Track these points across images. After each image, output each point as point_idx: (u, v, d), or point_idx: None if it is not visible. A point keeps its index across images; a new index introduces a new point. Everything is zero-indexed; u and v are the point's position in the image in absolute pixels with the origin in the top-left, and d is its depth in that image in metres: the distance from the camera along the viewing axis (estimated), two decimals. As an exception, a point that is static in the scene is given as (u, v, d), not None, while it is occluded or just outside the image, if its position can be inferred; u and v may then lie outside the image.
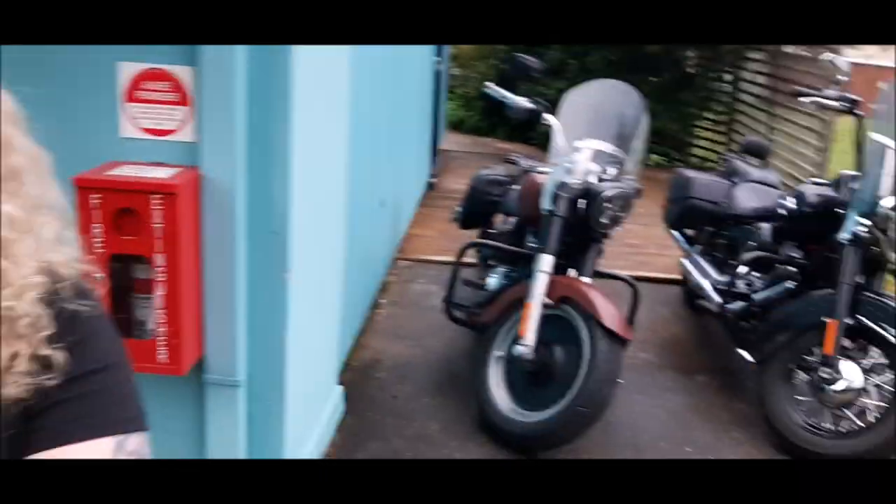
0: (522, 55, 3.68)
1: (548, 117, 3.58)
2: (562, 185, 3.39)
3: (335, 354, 3.40)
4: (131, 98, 2.19)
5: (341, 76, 2.95)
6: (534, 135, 10.46)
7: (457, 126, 11.58)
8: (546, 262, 3.30)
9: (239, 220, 2.23)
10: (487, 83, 3.78)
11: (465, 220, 4.79)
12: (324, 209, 2.89)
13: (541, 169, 3.95)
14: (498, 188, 4.51)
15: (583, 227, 3.41)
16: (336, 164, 3.04)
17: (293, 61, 2.23)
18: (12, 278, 0.75)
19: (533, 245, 3.77)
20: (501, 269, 4.10)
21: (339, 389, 3.41)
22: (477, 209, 4.66)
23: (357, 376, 3.80)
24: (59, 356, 0.79)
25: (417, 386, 3.85)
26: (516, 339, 3.31)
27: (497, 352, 3.47)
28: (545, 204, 3.43)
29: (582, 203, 3.36)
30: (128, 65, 2.17)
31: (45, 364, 0.78)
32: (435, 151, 8.57)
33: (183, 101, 2.19)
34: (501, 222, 4.61)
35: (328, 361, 3.26)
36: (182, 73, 2.17)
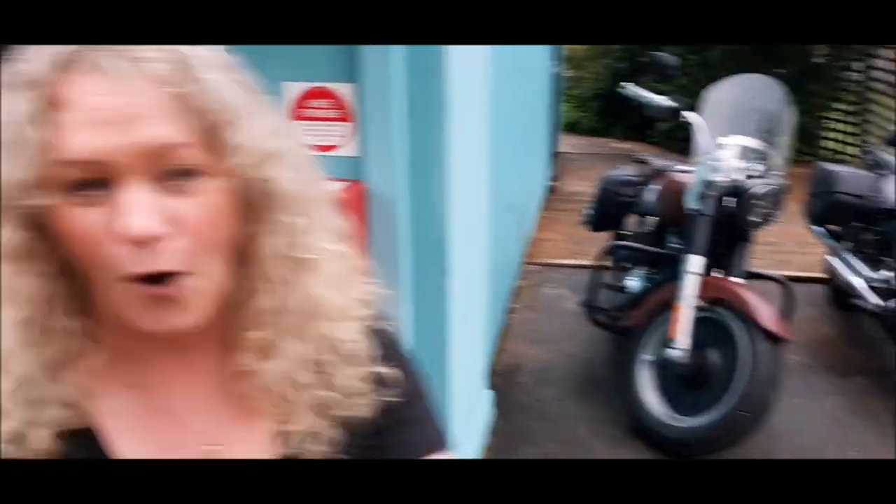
0: (660, 53, 3.61)
1: (689, 115, 3.49)
2: (708, 184, 3.30)
3: (484, 359, 3.42)
4: (297, 116, 2.26)
5: (483, 84, 2.97)
6: (653, 133, 10.27)
7: (572, 128, 11.47)
8: (695, 262, 3.21)
9: (402, 230, 2.28)
10: (624, 83, 3.73)
11: (597, 223, 4.71)
12: (472, 216, 2.91)
13: (680, 167, 3.87)
14: (630, 189, 4.43)
15: (731, 226, 3.31)
16: (479, 170, 3.06)
17: (447, 74, 2.26)
18: (346, 308, 0.79)
19: (676, 246, 3.69)
20: (640, 272, 4.03)
21: (489, 394, 3.43)
22: (609, 211, 4.59)
23: (501, 381, 3.80)
24: (392, 375, 0.82)
25: (560, 390, 3.82)
26: (666, 343, 3.24)
27: (645, 355, 3.40)
28: (691, 203, 3.35)
29: (730, 201, 3.26)
30: (293, 84, 2.25)
31: (383, 383, 0.81)
32: (553, 154, 8.53)
33: (345, 118, 2.25)
34: (636, 223, 4.54)
35: (479, 366, 3.28)
36: (344, 90, 2.23)
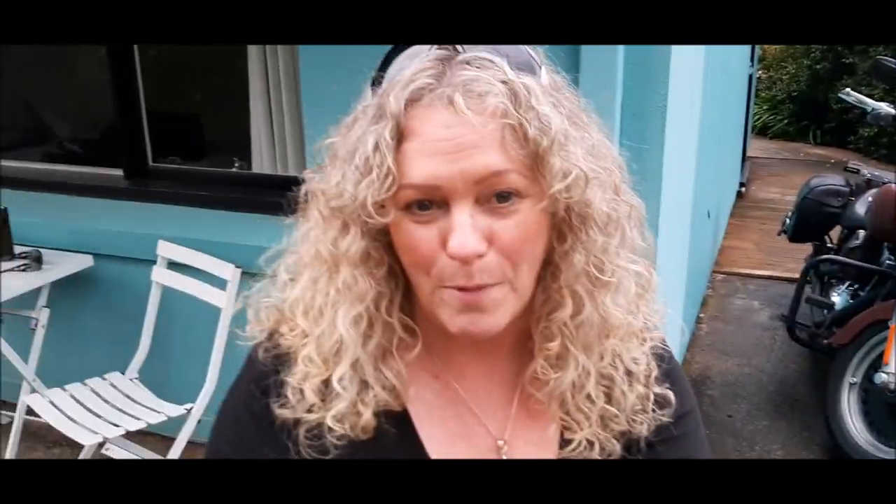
0: (885, 59, 3.38)
1: (916, 123, 3.25)
2: (934, 198, 3.06)
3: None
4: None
5: (696, 87, 2.90)
6: (855, 139, 9.64)
7: (762, 131, 10.95)
8: (915, 282, 3.00)
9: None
10: (846, 89, 3.53)
11: (796, 233, 4.47)
12: (676, 223, 2.85)
13: (899, 179, 3.61)
14: (837, 199, 4.17)
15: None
16: (686, 176, 2.99)
17: (669, 77, 2.22)
18: (635, 327, 0.81)
19: (892, 262, 3.45)
20: (847, 288, 3.80)
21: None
22: (811, 221, 4.33)
23: (689, 392, 3.70)
24: (669, 395, 0.84)
25: (752, 406, 3.67)
26: (876, 366, 3.04)
27: (851, 378, 3.21)
28: (913, 218, 3.12)
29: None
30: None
31: (660, 403, 0.84)
32: (744, 158, 8.18)
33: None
34: (840, 236, 4.27)
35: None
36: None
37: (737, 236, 6.45)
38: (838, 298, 3.76)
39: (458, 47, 0.71)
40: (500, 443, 0.83)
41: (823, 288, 4.13)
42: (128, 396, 2.74)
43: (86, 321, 3.24)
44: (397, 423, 0.80)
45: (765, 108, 11.16)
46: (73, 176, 3.46)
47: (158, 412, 2.65)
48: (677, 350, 3.07)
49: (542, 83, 0.72)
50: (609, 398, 0.81)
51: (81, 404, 2.64)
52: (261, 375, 0.82)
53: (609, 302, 0.77)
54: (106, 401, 2.69)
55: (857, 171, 4.22)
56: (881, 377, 2.98)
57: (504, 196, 0.70)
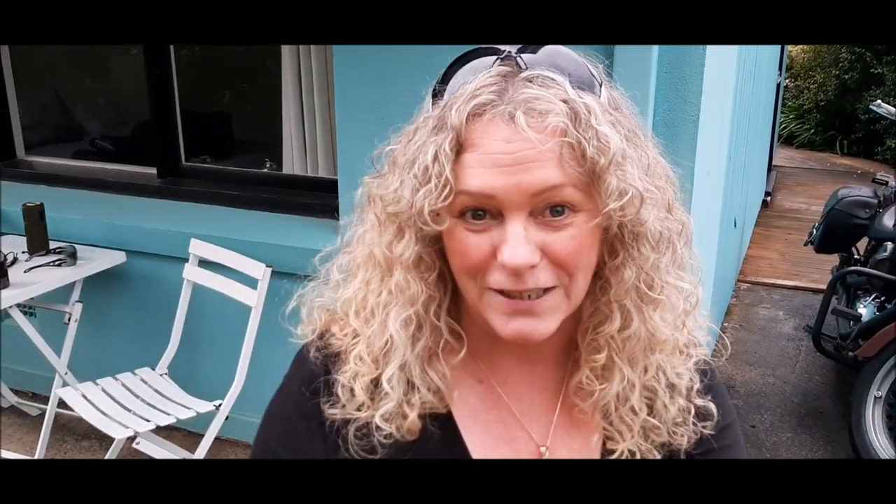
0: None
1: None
2: (965, 211, 3.05)
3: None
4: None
5: (728, 96, 2.90)
6: (883, 150, 9.56)
7: (788, 140, 10.89)
8: (944, 296, 2.98)
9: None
10: (877, 101, 3.51)
11: (822, 244, 4.45)
12: (706, 231, 2.86)
13: (931, 192, 3.59)
14: (865, 210, 4.15)
15: None
16: (716, 184, 2.99)
17: (703, 84, 2.23)
18: (679, 342, 0.84)
19: (921, 276, 3.44)
20: (874, 300, 3.78)
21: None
22: (838, 232, 4.31)
23: (712, 401, 3.70)
24: (711, 408, 0.87)
25: (776, 417, 3.66)
26: (904, 380, 3.02)
27: (877, 391, 3.19)
28: (943, 231, 3.11)
29: None
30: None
31: (702, 416, 0.86)
32: (769, 167, 8.14)
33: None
34: (868, 248, 4.25)
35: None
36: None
37: (762, 246, 6.42)
38: (865, 310, 3.74)
39: (521, 63, 0.73)
40: (543, 449, 0.85)
41: (850, 299, 4.11)
42: (157, 391, 2.78)
43: (117, 316, 3.29)
44: (442, 425, 0.83)
45: (791, 116, 11.10)
46: (107, 173, 3.52)
47: (188, 408, 2.69)
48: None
49: (601, 101, 0.74)
50: (651, 410, 0.84)
51: (112, 398, 2.69)
52: (311, 375, 0.84)
53: (657, 317, 0.80)
54: (136, 395, 2.73)
55: (886, 183, 4.20)
56: (907, 391, 2.97)
57: (558, 210, 0.72)
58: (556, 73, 0.73)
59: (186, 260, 2.92)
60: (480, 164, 0.71)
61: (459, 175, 0.72)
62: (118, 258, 3.08)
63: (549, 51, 0.75)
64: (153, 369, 2.90)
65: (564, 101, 0.71)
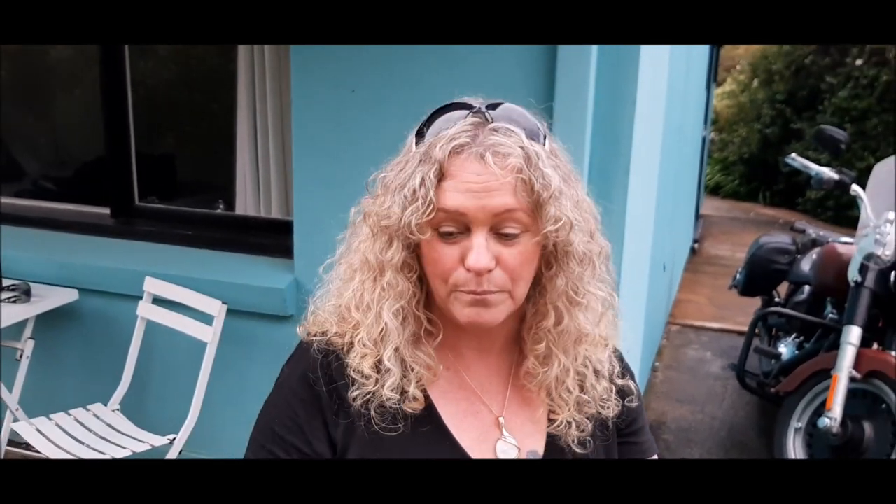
0: (829, 127, 3.67)
1: (856, 188, 3.53)
2: (870, 257, 3.32)
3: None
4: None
5: (656, 144, 3.13)
6: (803, 201, 10.07)
7: (715, 190, 11.39)
8: (854, 334, 3.22)
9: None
10: (792, 154, 3.81)
11: (746, 287, 4.73)
12: (636, 274, 3.06)
13: (842, 239, 3.88)
14: (784, 256, 4.45)
15: (892, 300, 3.30)
16: (645, 230, 3.21)
17: (633, 136, 2.44)
18: (600, 337, 1.08)
19: (834, 316, 3.70)
20: (793, 339, 4.04)
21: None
22: (760, 276, 4.60)
23: (644, 436, 3.88)
24: (631, 385, 1.13)
25: (704, 450, 3.86)
26: (820, 412, 3.25)
27: (797, 423, 3.42)
28: (852, 275, 3.37)
29: (894, 276, 3.27)
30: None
31: (623, 393, 1.12)
32: (697, 216, 8.52)
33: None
34: (787, 291, 4.54)
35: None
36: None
37: (690, 290, 6.73)
38: (785, 349, 4.00)
39: (488, 116, 0.96)
40: (501, 419, 1.07)
41: (771, 339, 4.39)
42: (110, 426, 2.83)
43: (68, 353, 3.33)
44: (423, 402, 1.03)
45: (717, 168, 11.63)
46: (59, 213, 3.57)
47: (142, 441, 2.74)
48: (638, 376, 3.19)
49: (546, 149, 0.97)
50: (582, 389, 1.07)
51: (66, 432, 2.72)
52: (316, 364, 1.02)
53: (581, 316, 1.03)
54: (89, 430, 2.78)
55: (804, 231, 4.50)
56: (824, 422, 3.18)
57: (511, 229, 0.95)
58: (514, 126, 0.95)
59: (140, 298, 2.99)
60: (456, 189, 0.93)
61: (439, 197, 0.93)
62: (71, 296, 3.12)
63: (508, 108, 0.98)
64: (105, 405, 2.94)
65: (521, 147, 0.94)
